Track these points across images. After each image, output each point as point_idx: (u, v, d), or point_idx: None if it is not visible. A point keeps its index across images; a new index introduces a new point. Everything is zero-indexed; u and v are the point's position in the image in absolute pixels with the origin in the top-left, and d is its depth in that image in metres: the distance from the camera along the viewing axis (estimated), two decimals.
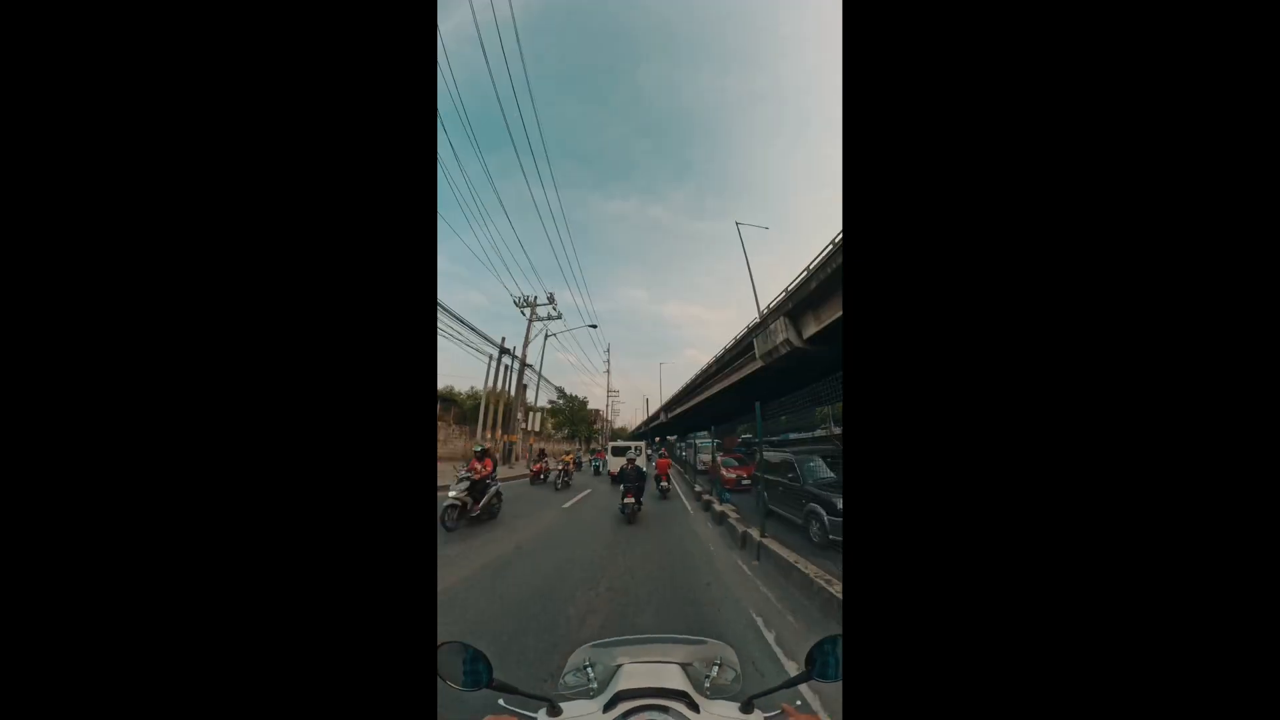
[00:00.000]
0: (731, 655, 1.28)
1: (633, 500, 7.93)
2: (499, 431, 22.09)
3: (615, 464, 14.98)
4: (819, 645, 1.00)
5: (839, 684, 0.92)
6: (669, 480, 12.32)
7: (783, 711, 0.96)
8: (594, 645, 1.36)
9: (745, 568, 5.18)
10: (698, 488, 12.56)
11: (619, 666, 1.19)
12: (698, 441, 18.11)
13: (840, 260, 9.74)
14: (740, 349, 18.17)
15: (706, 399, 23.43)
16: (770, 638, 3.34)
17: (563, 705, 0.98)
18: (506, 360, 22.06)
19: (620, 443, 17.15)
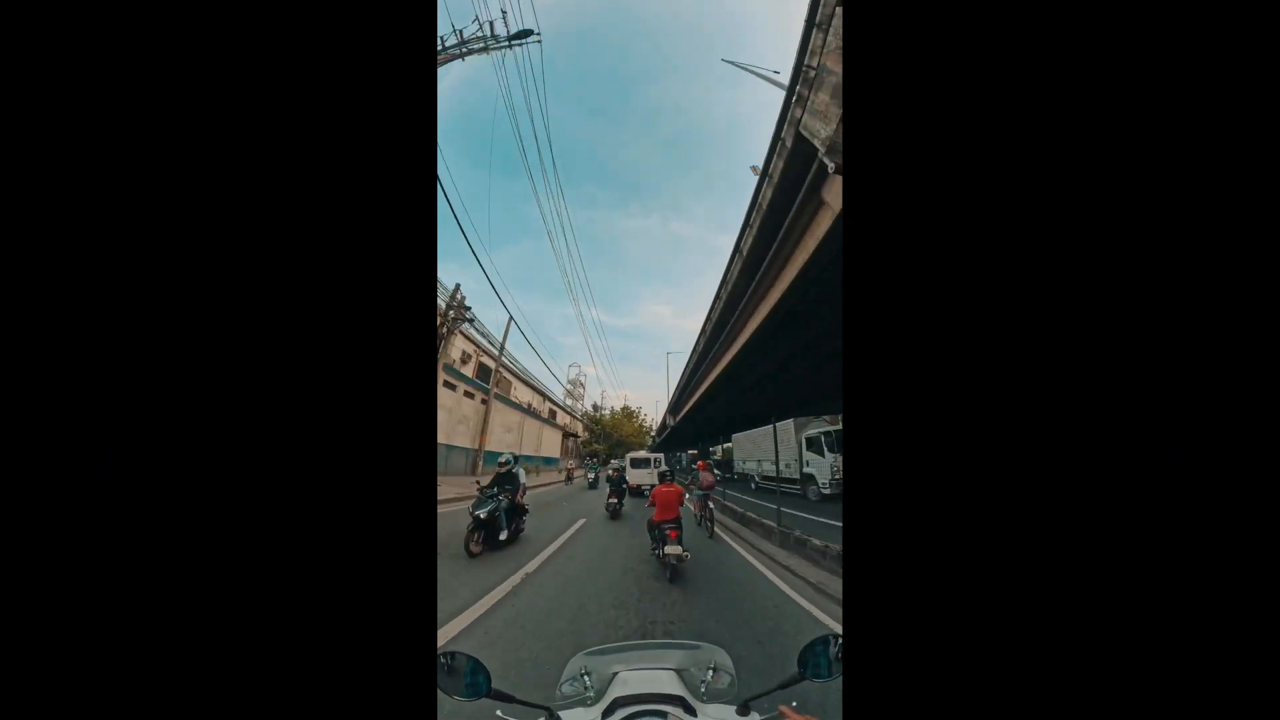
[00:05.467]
0: (725, 659, 1.28)
1: (615, 500, 10.22)
2: None
3: (634, 476, 16.64)
4: (810, 646, 1.00)
5: (830, 684, 0.92)
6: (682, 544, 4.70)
7: (780, 713, 0.96)
8: (589, 653, 1.36)
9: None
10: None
11: (615, 674, 1.20)
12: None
13: None
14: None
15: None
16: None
17: (561, 714, 0.98)
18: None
19: (639, 454, 18.77)
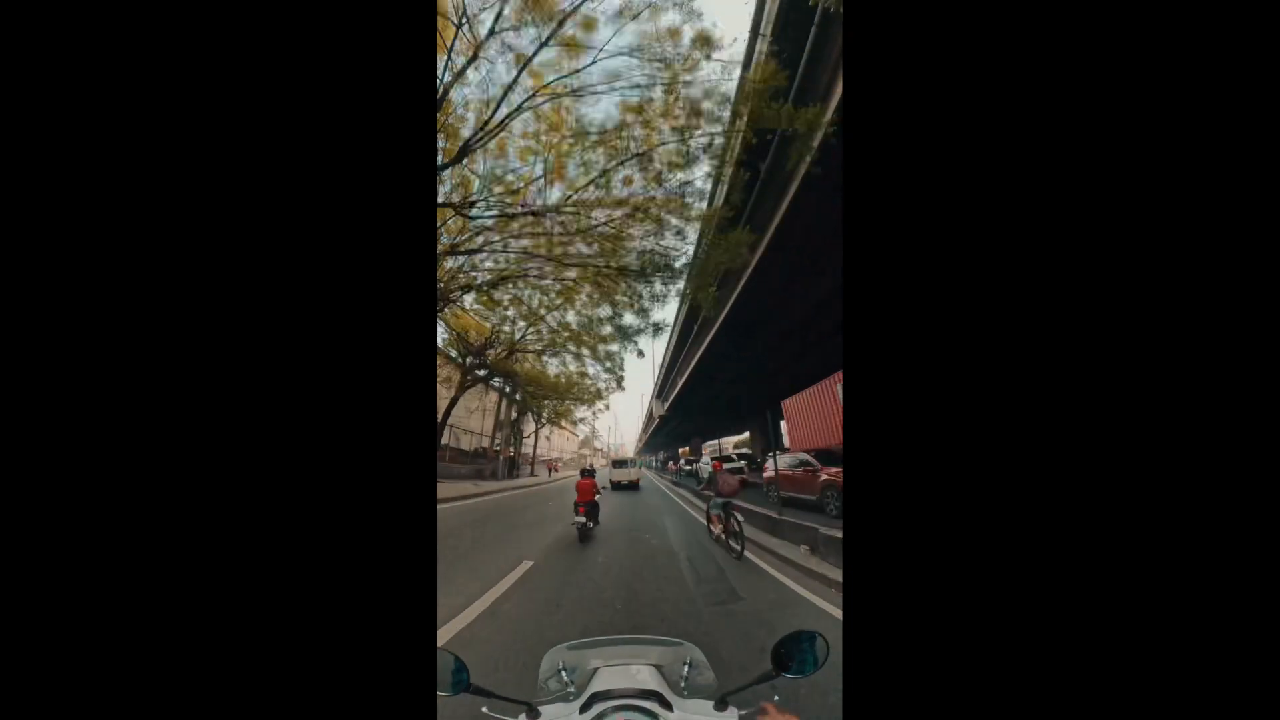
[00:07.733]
0: (701, 656, 1.30)
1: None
2: None
3: (616, 474, 20.00)
4: (785, 641, 1.00)
5: (806, 680, 0.94)
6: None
7: (760, 708, 0.99)
8: (568, 647, 1.37)
9: None
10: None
11: (594, 669, 1.20)
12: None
13: None
14: None
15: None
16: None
17: (541, 709, 0.98)
18: None
19: (620, 457, 21.27)
